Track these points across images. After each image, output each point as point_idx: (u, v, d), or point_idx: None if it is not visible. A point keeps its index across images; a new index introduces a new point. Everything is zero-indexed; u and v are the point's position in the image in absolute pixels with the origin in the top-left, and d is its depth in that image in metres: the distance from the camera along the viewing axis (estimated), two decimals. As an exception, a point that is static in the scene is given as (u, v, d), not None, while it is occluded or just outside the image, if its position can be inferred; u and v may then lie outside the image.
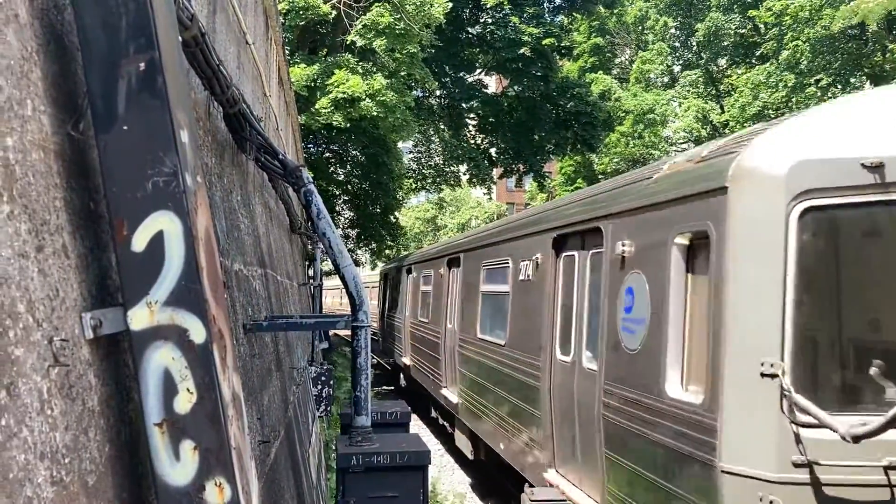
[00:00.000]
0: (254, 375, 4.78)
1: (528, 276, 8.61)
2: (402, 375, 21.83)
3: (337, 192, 28.46)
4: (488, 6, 28.43)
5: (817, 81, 30.06)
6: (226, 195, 4.87)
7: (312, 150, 25.99)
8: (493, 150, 33.55)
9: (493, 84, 37.60)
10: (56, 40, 1.98)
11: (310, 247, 17.44)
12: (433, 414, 17.07)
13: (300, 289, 14.80)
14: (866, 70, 30.57)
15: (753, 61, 36.26)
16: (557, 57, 31.02)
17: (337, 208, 29.08)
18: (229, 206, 4.97)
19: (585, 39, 41.53)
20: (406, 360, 19.70)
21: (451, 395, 13.32)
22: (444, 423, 15.57)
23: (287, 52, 16.34)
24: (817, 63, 30.44)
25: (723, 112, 36.55)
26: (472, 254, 12.47)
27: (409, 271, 19.80)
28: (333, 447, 10.31)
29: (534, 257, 8.40)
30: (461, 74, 31.54)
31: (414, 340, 18.52)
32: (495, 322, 10.55)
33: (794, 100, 29.95)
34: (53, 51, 1.95)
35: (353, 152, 26.95)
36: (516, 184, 67.77)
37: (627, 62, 46.56)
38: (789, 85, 31.04)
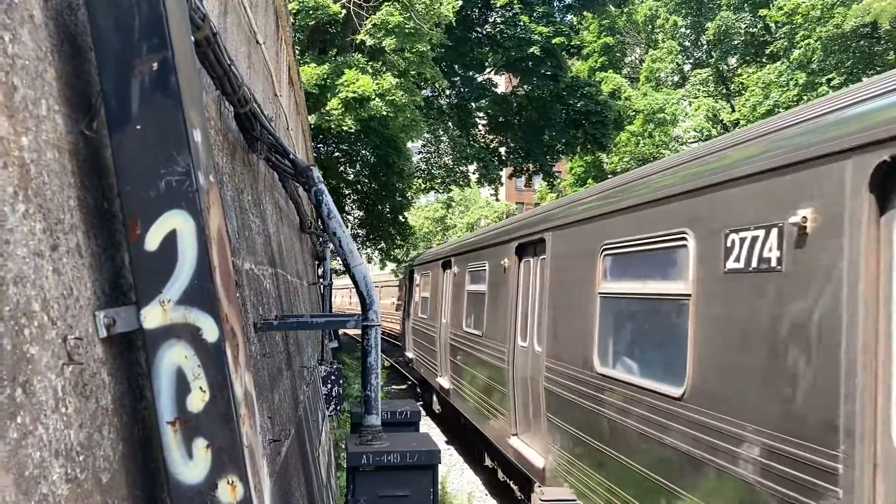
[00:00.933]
0: (265, 374, 4.80)
1: (763, 260, 4.24)
2: (435, 399, 17.77)
3: (346, 192, 28.56)
4: (498, 5, 28.43)
5: (829, 81, 29.90)
6: (237, 194, 4.89)
7: (322, 149, 26.07)
8: (502, 150, 33.58)
9: (502, 83, 37.61)
10: (70, 40, 1.99)
11: (319, 246, 17.48)
12: (487, 462, 12.53)
13: (310, 288, 14.84)
14: (879, 69, 30.38)
15: (764, 60, 36.11)
16: (567, 56, 30.99)
17: (346, 208, 29.18)
18: (240, 206, 4.99)
19: (595, 39, 41.45)
20: (444, 383, 15.19)
21: (532, 453, 8.72)
22: (512, 483, 10.80)
23: (297, 51, 16.39)
24: (829, 62, 30.28)
25: (733, 111, 36.41)
26: (570, 232, 7.76)
27: (446, 265, 15.51)
28: (343, 446, 10.33)
29: (794, 218, 3.92)
30: (471, 74, 31.57)
31: (456, 358, 13.93)
32: (640, 351, 6.23)
33: (805, 99, 29.79)
34: (67, 51, 1.96)
35: (363, 152, 27.03)
36: (526, 183, 67.77)
37: (637, 61, 46.46)
38: (801, 84, 30.89)
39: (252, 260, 5.16)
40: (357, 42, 20.96)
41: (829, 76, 30.08)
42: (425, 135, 30.50)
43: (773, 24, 34.91)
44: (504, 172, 37.49)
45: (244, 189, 5.40)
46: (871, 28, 29.36)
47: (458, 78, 31.04)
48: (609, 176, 47.91)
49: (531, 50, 28.34)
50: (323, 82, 20.02)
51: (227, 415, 1.98)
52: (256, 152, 5.60)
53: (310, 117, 19.58)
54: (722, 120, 37.85)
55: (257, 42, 6.81)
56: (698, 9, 40.44)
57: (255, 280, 5.19)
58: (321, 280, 17.65)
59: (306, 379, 9.14)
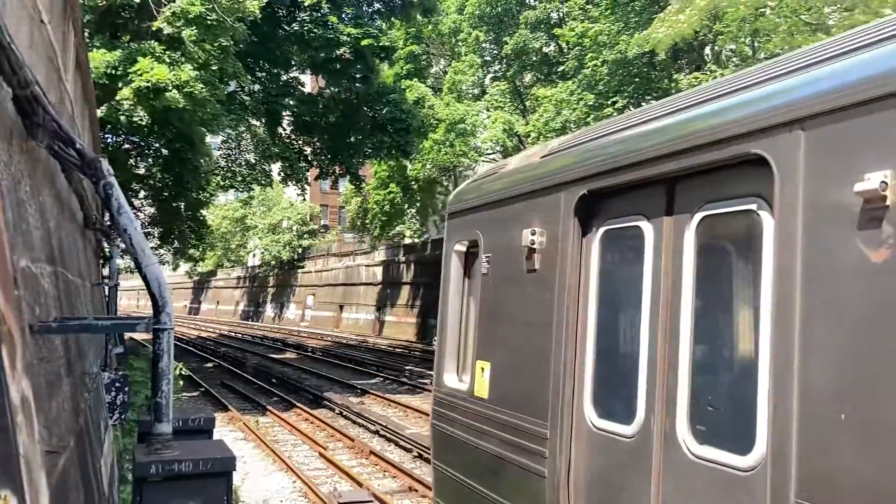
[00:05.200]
0: (42, 381, 4.42)
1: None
2: None
3: (136, 187, 26.94)
4: (305, 4, 28.08)
5: (613, 103, 32.31)
6: (13, 185, 4.47)
7: (111, 140, 24.41)
8: (308, 150, 33.18)
9: (309, 83, 37.22)
10: None
11: (106, 244, 16.35)
12: None
13: (94, 289, 13.82)
14: (656, 94, 33.31)
15: (555, 78, 38.43)
16: (377, 61, 31.15)
17: (136, 203, 27.54)
18: (16, 198, 4.57)
19: (402, 46, 42.23)
20: None
21: None
22: None
23: (86, 35, 15.25)
24: (613, 85, 32.78)
25: (528, 125, 38.42)
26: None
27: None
28: (130, 457, 9.72)
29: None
30: (276, 71, 30.92)
31: None
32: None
33: (591, 118, 32.06)
34: None
35: (156, 145, 25.60)
36: (332, 185, 67.49)
37: (441, 72, 47.86)
38: (589, 104, 33.17)
39: (29, 257, 4.74)
40: (154, 30, 19.84)
41: (614, 98, 32.55)
42: (227, 131, 29.48)
43: (565, 45, 37.30)
44: (310, 174, 37.12)
45: (21, 179, 4.95)
46: (650, 56, 32.15)
47: (265, 74, 30.28)
48: (412, 182, 48.86)
49: (340, 51, 28.24)
50: (113, 71, 18.74)
51: (2, 423, 1.81)
52: (37, 140, 5.15)
53: (99, 109, 18.29)
54: (517, 133, 39.89)
55: (41, 21, 6.27)
56: (499, 25, 42.36)
57: (32, 279, 4.78)
58: (107, 280, 16.51)
59: (88, 386, 8.51)
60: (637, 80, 32.69)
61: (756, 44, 25.40)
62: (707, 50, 31.35)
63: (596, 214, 4.43)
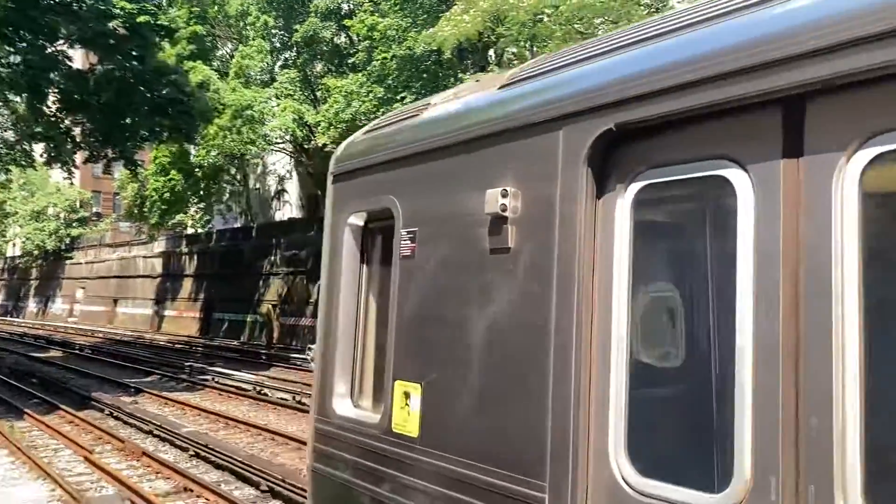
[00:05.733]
0: None
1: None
2: None
3: None
4: (73, -28, 25.78)
5: (402, 98, 32.71)
6: None
7: None
8: (77, 131, 30.51)
9: (79, 58, 34.24)
10: None
11: None
12: None
13: None
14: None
15: (346, 70, 38.30)
16: (157, 39, 29.24)
17: None
18: None
19: (185, 26, 40.09)
20: None
21: None
22: None
23: None
24: (402, 80, 33.21)
25: (318, 114, 37.98)
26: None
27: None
28: None
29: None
30: (40, 43, 28.06)
31: None
32: None
33: (381, 111, 32.29)
34: None
35: None
36: (104, 170, 62.71)
37: (228, 55, 46.06)
38: (379, 97, 33.36)
39: None
40: None
41: (402, 94, 32.97)
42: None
43: (356, 37, 37.24)
44: (78, 156, 34.23)
45: None
46: (437, 54, 32.91)
47: (25, 45, 27.38)
48: (196, 169, 46.62)
49: (112, 24, 26.24)
50: None
51: None
52: None
53: None
54: (307, 122, 39.34)
55: None
56: (289, 11, 41.45)
57: None
58: None
59: None
60: (425, 76, 33.33)
61: (535, 48, 26.79)
62: (491, 52, 32.66)
63: (625, 162, 2.86)
